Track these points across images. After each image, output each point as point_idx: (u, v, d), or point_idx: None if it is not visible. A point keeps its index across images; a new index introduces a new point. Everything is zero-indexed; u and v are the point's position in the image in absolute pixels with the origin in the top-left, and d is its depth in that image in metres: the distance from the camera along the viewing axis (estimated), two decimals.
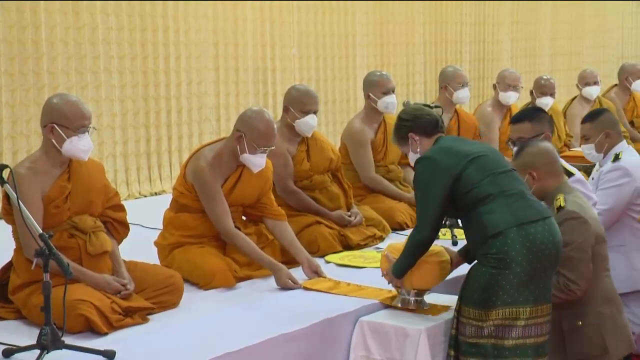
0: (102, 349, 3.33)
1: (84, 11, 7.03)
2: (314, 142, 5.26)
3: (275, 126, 4.48)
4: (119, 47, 7.30)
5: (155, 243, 4.63)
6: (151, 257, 4.49)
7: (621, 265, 4.47)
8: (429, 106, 3.99)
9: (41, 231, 3.36)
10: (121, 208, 4.11)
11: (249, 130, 4.38)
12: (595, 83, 7.94)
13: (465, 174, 3.58)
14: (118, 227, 4.06)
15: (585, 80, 7.96)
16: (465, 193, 3.57)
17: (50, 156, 3.82)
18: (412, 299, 3.88)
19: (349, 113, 9.09)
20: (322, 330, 3.75)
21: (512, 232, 3.50)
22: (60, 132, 3.76)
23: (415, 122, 3.85)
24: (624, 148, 4.84)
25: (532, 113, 4.64)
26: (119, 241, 4.08)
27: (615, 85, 8.62)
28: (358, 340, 3.83)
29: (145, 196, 7.37)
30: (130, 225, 4.16)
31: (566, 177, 4.13)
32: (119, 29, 7.30)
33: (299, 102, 5.12)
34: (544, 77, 7.46)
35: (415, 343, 3.67)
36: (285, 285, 4.25)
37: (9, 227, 3.90)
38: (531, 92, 7.40)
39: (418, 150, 3.83)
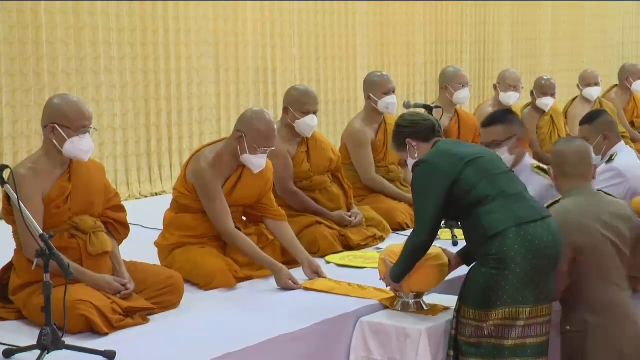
0: (102, 349, 3.33)
1: (85, 12, 7.03)
2: (314, 143, 5.26)
3: (275, 127, 4.48)
4: (120, 47, 7.31)
5: (156, 243, 4.63)
6: (151, 257, 4.49)
7: None
8: (429, 107, 3.99)
9: (42, 231, 3.36)
10: (121, 209, 4.11)
11: (250, 131, 4.38)
12: (596, 84, 7.94)
13: (463, 176, 3.58)
14: (118, 228, 4.06)
15: (586, 80, 7.96)
16: (464, 195, 3.58)
17: (51, 156, 3.82)
18: (412, 301, 3.89)
19: (349, 113, 9.09)
20: (322, 331, 3.75)
21: (511, 233, 3.50)
22: (61, 132, 3.76)
23: (413, 128, 3.86)
24: (620, 149, 4.84)
25: (503, 116, 4.56)
26: (119, 241, 4.08)
27: (616, 85, 8.62)
28: (358, 340, 3.83)
29: (146, 196, 7.37)
30: (130, 225, 4.16)
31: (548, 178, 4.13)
32: (119, 30, 7.30)
33: (299, 102, 5.12)
34: (545, 77, 7.45)
35: (415, 343, 3.67)
36: (286, 285, 4.25)
37: (9, 228, 3.90)
38: (531, 93, 7.41)
39: (416, 155, 3.84)
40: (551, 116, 7.43)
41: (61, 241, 3.75)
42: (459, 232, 4.72)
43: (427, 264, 3.79)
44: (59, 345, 3.27)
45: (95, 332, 3.57)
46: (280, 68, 8.70)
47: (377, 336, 3.79)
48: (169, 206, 4.68)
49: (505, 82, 6.98)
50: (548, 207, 3.79)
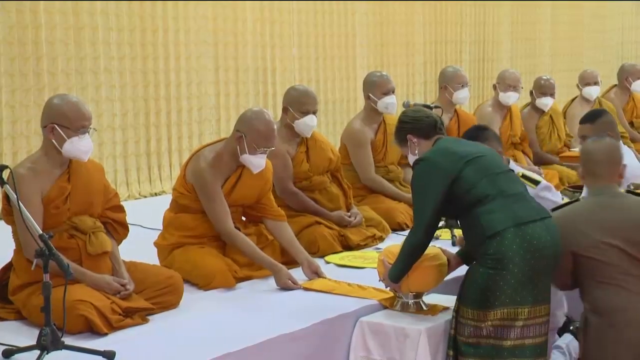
0: (102, 349, 3.33)
1: (84, 12, 7.03)
2: (314, 143, 5.26)
3: (275, 127, 4.48)
4: (119, 47, 7.30)
5: (155, 243, 4.63)
6: (151, 257, 4.49)
7: None
8: (429, 107, 4.00)
9: (41, 232, 3.36)
10: (121, 209, 4.11)
11: (249, 131, 4.38)
12: (596, 83, 7.94)
13: (463, 174, 3.58)
14: (118, 228, 4.06)
15: (586, 80, 7.96)
16: (464, 194, 3.58)
17: (51, 157, 3.82)
18: (411, 301, 3.89)
19: (348, 113, 9.09)
20: (322, 331, 3.75)
21: (510, 233, 3.50)
22: (61, 132, 3.76)
23: (414, 125, 3.86)
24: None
25: (478, 132, 4.55)
26: (119, 242, 4.08)
27: (615, 85, 8.62)
28: (358, 340, 3.83)
29: (145, 197, 7.37)
30: (130, 225, 4.16)
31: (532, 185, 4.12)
32: (119, 30, 7.30)
33: (298, 102, 5.12)
34: (544, 77, 7.45)
35: (415, 343, 3.67)
36: (285, 285, 4.25)
37: (9, 228, 3.90)
38: (531, 93, 7.41)
39: (416, 152, 3.84)
40: (550, 116, 7.43)
41: (60, 241, 3.75)
42: (458, 232, 4.71)
43: (426, 264, 3.79)
44: (58, 345, 3.27)
45: (95, 332, 3.57)
46: (280, 68, 8.70)
47: (377, 336, 3.79)
48: (168, 206, 4.68)
49: (505, 82, 6.97)
50: (564, 205, 3.77)
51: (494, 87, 7.08)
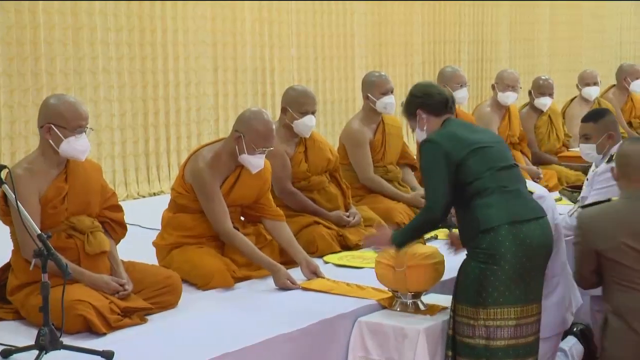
0: (100, 349, 3.32)
1: (83, 12, 7.03)
2: (312, 143, 5.25)
3: (274, 127, 4.48)
4: (118, 47, 7.30)
5: (154, 243, 4.63)
6: (150, 257, 4.48)
7: None
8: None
9: (39, 232, 3.36)
10: (119, 208, 4.11)
11: (248, 131, 4.38)
12: (595, 83, 7.94)
13: (467, 163, 3.56)
14: (115, 228, 4.06)
15: (585, 80, 7.96)
16: (466, 184, 3.56)
17: (48, 157, 3.82)
18: (410, 301, 3.89)
19: (347, 113, 9.09)
20: (320, 331, 3.75)
21: (504, 229, 3.50)
22: (58, 132, 3.76)
23: (425, 100, 3.80)
24: None
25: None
26: (117, 241, 4.08)
27: (614, 85, 8.62)
28: (356, 340, 3.83)
29: (144, 197, 7.37)
30: (128, 225, 4.16)
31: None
32: (117, 30, 7.30)
33: (297, 102, 5.12)
34: (543, 77, 7.45)
35: (413, 343, 3.67)
36: (284, 285, 4.25)
37: (6, 228, 3.89)
38: (529, 93, 7.41)
39: (425, 128, 3.80)
40: (549, 116, 7.43)
41: (59, 241, 3.75)
42: (456, 232, 4.71)
43: (423, 263, 3.80)
44: (57, 345, 3.27)
45: (93, 332, 3.57)
46: (279, 68, 8.70)
47: (375, 336, 3.79)
48: (167, 206, 4.68)
49: (504, 82, 6.97)
50: (594, 204, 3.78)
51: (493, 87, 7.08)
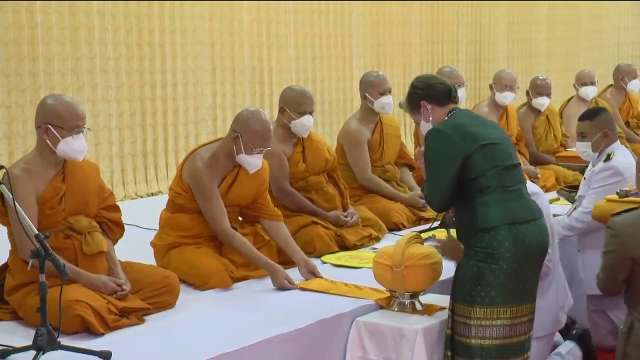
0: (98, 349, 3.32)
1: (81, 12, 7.02)
2: (310, 143, 5.25)
3: (271, 127, 4.48)
4: (116, 47, 7.30)
5: (152, 243, 4.63)
6: (147, 257, 4.48)
7: None
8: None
9: (37, 232, 3.35)
10: (116, 208, 4.10)
11: (246, 131, 4.38)
12: (592, 83, 7.95)
13: (474, 158, 3.54)
14: (113, 228, 4.06)
15: (582, 80, 7.97)
16: (470, 180, 3.55)
17: (45, 157, 3.82)
18: (407, 301, 3.89)
19: (345, 113, 9.09)
20: (318, 331, 3.75)
21: (504, 229, 3.50)
22: (55, 132, 3.75)
23: (428, 90, 3.77)
24: (617, 148, 4.84)
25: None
26: (114, 241, 4.08)
27: (611, 85, 8.63)
28: (354, 340, 3.83)
29: (142, 197, 7.37)
30: (126, 225, 4.16)
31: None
32: (115, 30, 7.29)
33: (295, 102, 5.11)
34: (540, 77, 7.46)
35: (411, 343, 3.67)
36: (282, 285, 4.25)
37: (4, 228, 3.89)
38: (527, 93, 7.41)
39: (430, 119, 3.76)
40: (547, 116, 7.44)
41: (56, 241, 3.75)
42: (454, 232, 4.71)
43: (420, 263, 3.79)
44: (54, 345, 3.27)
45: (91, 332, 3.57)
46: (276, 68, 8.70)
47: (373, 336, 3.79)
48: (164, 206, 4.67)
49: (501, 82, 6.97)
50: (631, 209, 3.73)
51: (491, 87, 7.08)
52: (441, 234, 5.03)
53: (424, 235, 4.60)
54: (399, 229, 5.49)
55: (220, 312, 3.95)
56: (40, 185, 3.78)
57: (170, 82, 7.73)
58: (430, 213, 5.54)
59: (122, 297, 3.78)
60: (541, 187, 6.44)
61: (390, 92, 5.84)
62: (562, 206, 5.90)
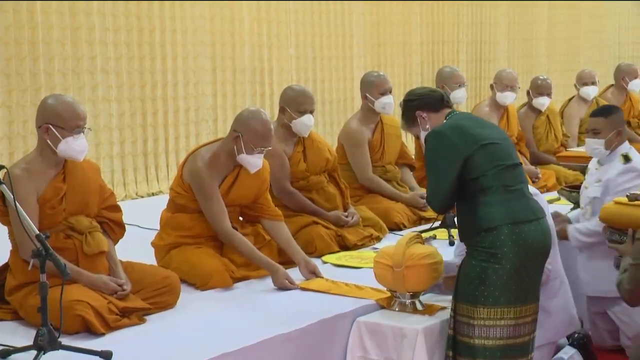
0: (99, 349, 3.32)
1: (81, 12, 7.02)
2: (311, 143, 5.25)
3: (272, 127, 4.48)
4: (116, 47, 7.30)
5: (153, 243, 4.63)
6: (148, 257, 4.48)
7: None
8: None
9: (38, 232, 3.35)
10: (117, 208, 4.10)
11: (246, 131, 4.37)
12: (593, 83, 7.95)
13: (474, 158, 3.54)
14: (114, 228, 4.06)
15: (583, 80, 7.97)
16: (471, 180, 3.55)
17: (45, 157, 3.82)
18: (408, 301, 3.89)
19: (346, 113, 9.09)
20: (319, 331, 3.75)
21: (506, 229, 3.50)
22: (56, 132, 3.75)
23: (421, 100, 3.81)
24: (628, 148, 4.77)
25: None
26: (115, 241, 4.08)
27: (612, 85, 8.63)
28: (355, 340, 3.83)
29: (142, 197, 7.37)
30: (127, 225, 4.16)
31: None
32: (115, 30, 7.30)
33: (295, 102, 5.11)
34: (541, 77, 7.46)
35: (412, 343, 3.67)
36: (283, 285, 4.25)
37: (4, 228, 3.89)
38: (528, 93, 7.41)
39: (427, 127, 3.78)
40: (547, 116, 7.43)
41: (57, 241, 3.75)
42: (455, 233, 4.72)
43: (420, 263, 3.79)
44: (55, 345, 3.27)
45: (92, 332, 3.57)
46: (277, 68, 8.70)
47: (374, 336, 3.79)
48: (165, 206, 4.67)
49: (502, 82, 6.97)
50: None
51: (491, 87, 7.08)
52: (442, 234, 5.03)
53: (424, 235, 4.61)
54: (400, 229, 5.49)
55: (221, 312, 3.95)
56: (41, 185, 3.78)
57: (170, 82, 7.73)
58: (431, 213, 5.54)
59: (123, 297, 3.78)
60: (542, 187, 6.52)
61: (390, 92, 5.84)
62: (563, 206, 5.90)
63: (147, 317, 3.81)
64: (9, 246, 3.89)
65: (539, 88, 7.29)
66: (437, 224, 5.19)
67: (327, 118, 9.25)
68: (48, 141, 3.78)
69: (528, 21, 12.14)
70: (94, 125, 6.95)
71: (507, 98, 6.96)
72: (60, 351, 3.28)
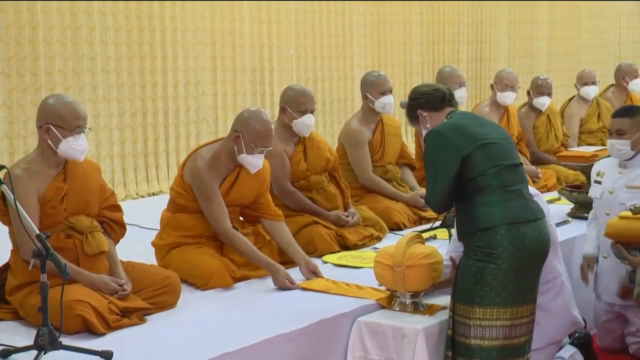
0: (99, 349, 3.32)
1: (81, 12, 7.03)
2: (311, 143, 5.25)
3: (272, 127, 4.48)
4: (117, 47, 7.30)
5: (153, 243, 4.63)
6: (149, 257, 4.49)
7: None
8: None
9: (38, 232, 3.35)
10: (117, 208, 4.11)
11: (247, 131, 4.38)
12: (594, 83, 7.94)
13: (473, 157, 3.54)
14: (115, 227, 4.06)
15: (583, 80, 7.96)
16: (470, 180, 3.55)
17: (46, 157, 3.82)
18: (409, 301, 3.89)
19: (346, 113, 9.09)
20: (319, 331, 3.75)
21: (503, 229, 3.50)
22: (56, 132, 3.76)
23: (422, 99, 3.82)
24: None
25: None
26: (116, 241, 4.08)
27: (612, 85, 8.62)
28: (355, 340, 3.83)
29: (143, 197, 7.37)
30: (127, 225, 4.16)
31: None
32: (116, 30, 7.30)
33: (296, 101, 5.12)
34: (541, 77, 7.45)
35: (412, 343, 3.67)
36: (283, 285, 4.25)
37: (5, 228, 3.89)
38: (528, 92, 7.41)
39: (428, 125, 3.79)
40: (548, 116, 7.43)
41: (57, 241, 3.75)
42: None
43: (420, 263, 3.79)
44: (55, 345, 3.27)
45: (92, 332, 3.57)
46: (277, 68, 8.70)
47: (374, 336, 3.79)
48: (166, 206, 4.67)
49: (502, 82, 6.97)
50: None
51: (492, 86, 7.08)
52: (443, 233, 5.03)
53: (425, 235, 4.61)
54: (400, 229, 5.49)
55: (221, 312, 3.95)
56: (42, 185, 3.78)
57: (171, 82, 7.73)
58: (431, 213, 5.54)
59: (124, 297, 3.78)
60: (542, 187, 6.52)
61: (391, 91, 5.84)
62: (563, 206, 5.91)
63: (147, 317, 3.81)
64: (9, 246, 3.89)
65: (540, 88, 7.29)
66: (437, 224, 5.19)
67: (327, 118, 9.25)
68: (49, 141, 3.78)
69: (528, 21, 12.14)
70: (95, 125, 6.95)
71: (508, 98, 6.96)
72: (61, 351, 3.29)
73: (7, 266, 3.91)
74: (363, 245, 5.10)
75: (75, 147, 3.78)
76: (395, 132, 6.02)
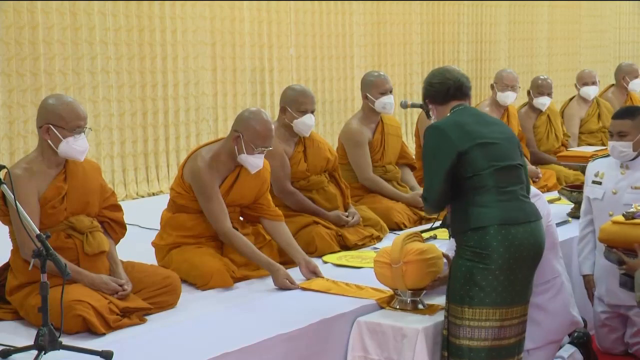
0: (99, 349, 3.32)
1: (81, 12, 7.03)
2: (311, 143, 5.25)
3: (273, 127, 4.48)
4: (117, 47, 7.30)
5: (153, 243, 4.63)
6: (149, 257, 4.49)
7: None
8: (426, 106, 3.94)
9: (38, 232, 3.36)
10: (118, 208, 4.11)
11: (247, 131, 4.38)
12: (594, 83, 7.94)
13: (470, 155, 3.52)
14: (115, 227, 4.06)
15: (583, 80, 7.96)
16: (467, 178, 3.54)
17: (46, 157, 3.82)
18: (409, 299, 3.89)
19: (346, 113, 9.10)
20: (319, 331, 3.75)
21: (493, 229, 3.49)
22: (56, 132, 3.76)
23: (428, 89, 3.80)
24: None
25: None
26: (116, 241, 4.08)
27: (613, 85, 8.62)
28: (355, 340, 3.83)
29: (143, 197, 7.37)
30: (127, 225, 4.16)
31: None
32: (116, 30, 7.30)
33: (296, 101, 5.12)
34: (541, 77, 7.45)
35: (412, 343, 3.67)
36: (283, 285, 4.25)
37: (5, 228, 3.89)
38: (528, 92, 7.41)
39: (433, 117, 3.79)
40: (548, 116, 7.43)
41: (57, 241, 3.75)
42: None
43: (417, 259, 3.79)
44: (56, 345, 3.27)
45: (93, 332, 3.57)
46: (277, 68, 8.70)
47: (375, 336, 3.79)
48: (166, 206, 4.67)
49: (503, 82, 6.97)
50: None
51: (492, 86, 7.08)
52: (443, 233, 5.03)
53: (425, 235, 4.61)
54: (400, 229, 5.49)
55: (221, 312, 3.95)
56: (42, 185, 3.78)
57: (171, 82, 7.73)
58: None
59: (124, 297, 3.78)
60: (542, 187, 6.52)
61: (391, 91, 5.83)
62: (564, 206, 5.91)
63: (147, 317, 3.81)
64: (9, 246, 3.89)
65: (540, 88, 7.29)
66: (437, 223, 5.19)
67: (327, 118, 9.25)
68: (49, 141, 3.78)
69: (528, 21, 12.14)
70: (95, 125, 6.95)
71: (508, 98, 6.96)
72: (61, 351, 3.29)
73: (7, 266, 3.91)
74: (363, 245, 5.10)
75: (75, 147, 3.78)
76: (396, 132, 6.02)
